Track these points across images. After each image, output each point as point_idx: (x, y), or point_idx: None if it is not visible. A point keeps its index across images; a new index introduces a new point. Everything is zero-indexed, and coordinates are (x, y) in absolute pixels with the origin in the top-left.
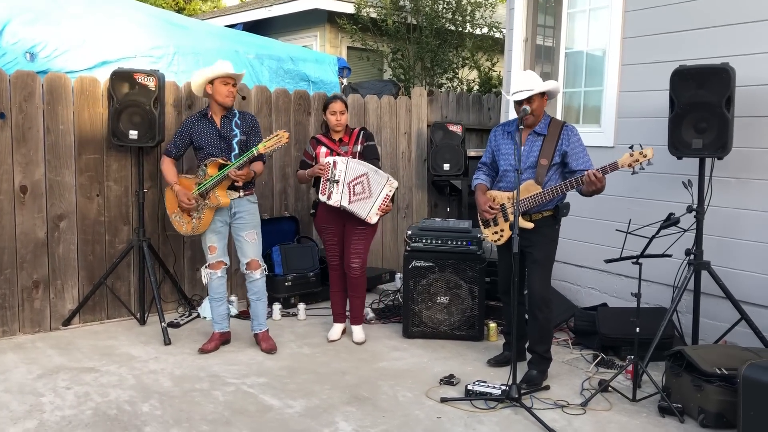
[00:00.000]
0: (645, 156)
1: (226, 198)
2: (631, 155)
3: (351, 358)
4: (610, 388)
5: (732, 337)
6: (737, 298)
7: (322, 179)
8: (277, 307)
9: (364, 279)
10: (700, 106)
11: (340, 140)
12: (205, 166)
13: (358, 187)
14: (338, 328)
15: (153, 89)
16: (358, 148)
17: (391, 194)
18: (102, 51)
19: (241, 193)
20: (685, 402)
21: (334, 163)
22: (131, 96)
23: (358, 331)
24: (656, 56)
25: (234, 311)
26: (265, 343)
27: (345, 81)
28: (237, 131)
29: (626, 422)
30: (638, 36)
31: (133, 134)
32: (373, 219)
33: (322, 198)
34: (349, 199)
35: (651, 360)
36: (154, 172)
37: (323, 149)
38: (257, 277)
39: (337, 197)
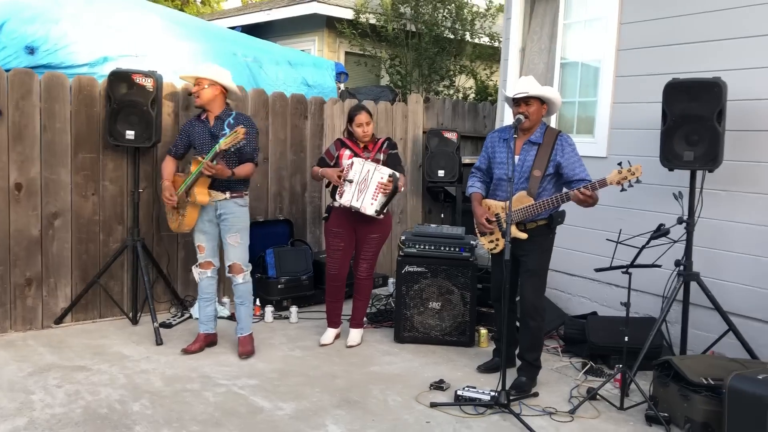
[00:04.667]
0: (633, 173)
1: (204, 196)
2: (620, 172)
3: (342, 361)
4: (598, 396)
5: (719, 348)
6: (725, 310)
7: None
8: (269, 309)
9: (370, 283)
10: (692, 118)
11: (365, 147)
12: (190, 164)
13: (363, 185)
14: (331, 332)
15: (151, 90)
16: (381, 156)
17: (383, 180)
18: (103, 47)
19: (228, 195)
20: (672, 411)
21: (352, 164)
22: (129, 96)
23: (355, 335)
24: (650, 69)
25: (226, 313)
26: (242, 347)
27: (342, 86)
28: (227, 131)
29: (613, 430)
30: (633, 48)
31: (130, 134)
32: (368, 210)
33: (336, 198)
34: (357, 197)
35: (639, 369)
36: (150, 172)
37: (347, 152)
38: (239, 281)
39: (348, 197)
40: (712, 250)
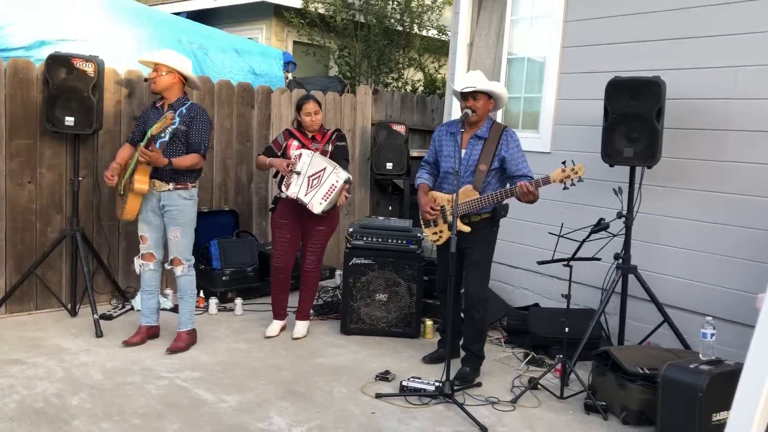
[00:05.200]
0: (576, 173)
1: (143, 184)
2: (563, 171)
3: (288, 354)
4: (539, 386)
5: (655, 339)
6: (661, 302)
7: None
8: (213, 301)
9: (317, 275)
10: (632, 116)
11: (313, 137)
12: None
13: (316, 181)
14: (277, 324)
15: (92, 75)
16: (330, 147)
17: (337, 184)
18: (40, 30)
19: (171, 186)
20: (610, 400)
21: (300, 155)
22: (68, 81)
23: (301, 327)
24: (593, 66)
25: (168, 305)
26: (173, 342)
27: (290, 75)
28: (177, 120)
29: (553, 419)
30: (577, 46)
31: (70, 121)
32: (315, 208)
33: (283, 190)
34: (306, 191)
35: (579, 359)
36: (91, 160)
37: (295, 142)
38: (177, 274)
39: (294, 189)
40: (649, 244)
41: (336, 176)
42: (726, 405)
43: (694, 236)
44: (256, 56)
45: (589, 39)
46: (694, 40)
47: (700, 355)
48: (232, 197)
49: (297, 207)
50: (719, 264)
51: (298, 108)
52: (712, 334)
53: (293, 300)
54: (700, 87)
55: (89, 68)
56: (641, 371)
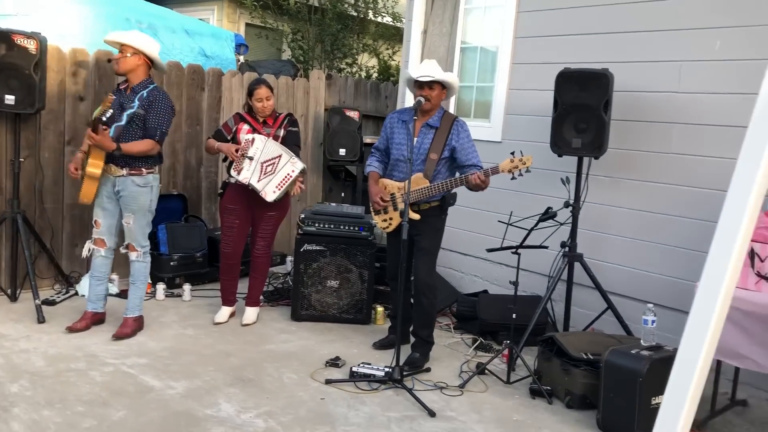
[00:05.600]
0: (524, 163)
1: (95, 168)
2: (512, 161)
3: (237, 340)
4: (486, 371)
5: (599, 325)
6: (605, 289)
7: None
8: (161, 287)
9: (267, 261)
10: (580, 107)
11: (264, 122)
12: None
13: (269, 168)
14: (226, 311)
15: (33, 52)
16: (281, 132)
17: (292, 174)
18: None
19: (125, 172)
20: (554, 385)
21: (253, 140)
22: (8, 58)
23: (251, 313)
24: (544, 57)
25: (115, 290)
26: (119, 328)
27: (242, 58)
28: (136, 104)
29: (499, 403)
30: (529, 36)
31: (10, 99)
32: (269, 196)
33: (233, 174)
34: (259, 177)
35: (525, 345)
36: (33, 140)
37: (246, 126)
38: (132, 258)
39: (247, 174)
40: (595, 233)
41: (292, 166)
42: (665, 389)
43: (638, 226)
44: (207, 38)
45: (541, 30)
46: (640, 33)
47: (642, 341)
48: (181, 181)
49: (247, 192)
50: (661, 253)
51: (250, 93)
52: (653, 321)
53: (243, 286)
54: (646, 80)
55: (31, 45)
56: (585, 357)
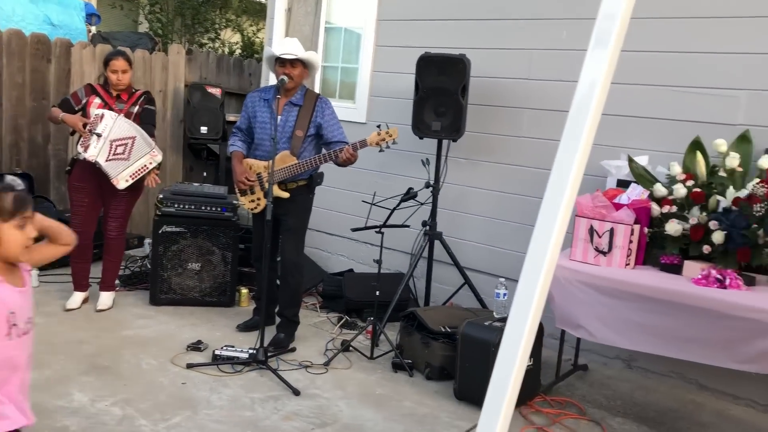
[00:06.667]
0: (390, 136)
1: None
2: (379, 134)
3: (91, 327)
4: (351, 348)
5: (457, 299)
6: (463, 265)
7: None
8: None
9: (121, 243)
10: (440, 91)
11: (118, 96)
12: None
13: (121, 148)
14: (78, 296)
15: None
16: (136, 109)
17: (150, 166)
18: None
19: None
20: (415, 358)
21: (102, 116)
22: None
23: (106, 298)
24: (407, 41)
25: None
26: None
27: (93, 29)
28: None
29: (363, 379)
30: (392, 20)
31: None
32: (120, 183)
33: (80, 150)
34: (107, 156)
35: (389, 321)
36: None
37: (97, 100)
38: None
39: (94, 151)
40: (454, 212)
41: (151, 158)
42: None
43: (493, 205)
44: (53, 5)
45: (404, 14)
46: (495, 21)
47: (494, 314)
48: (26, 159)
49: (96, 169)
50: (514, 231)
51: (106, 63)
52: (505, 294)
53: (97, 270)
54: (501, 67)
55: None
56: (443, 330)
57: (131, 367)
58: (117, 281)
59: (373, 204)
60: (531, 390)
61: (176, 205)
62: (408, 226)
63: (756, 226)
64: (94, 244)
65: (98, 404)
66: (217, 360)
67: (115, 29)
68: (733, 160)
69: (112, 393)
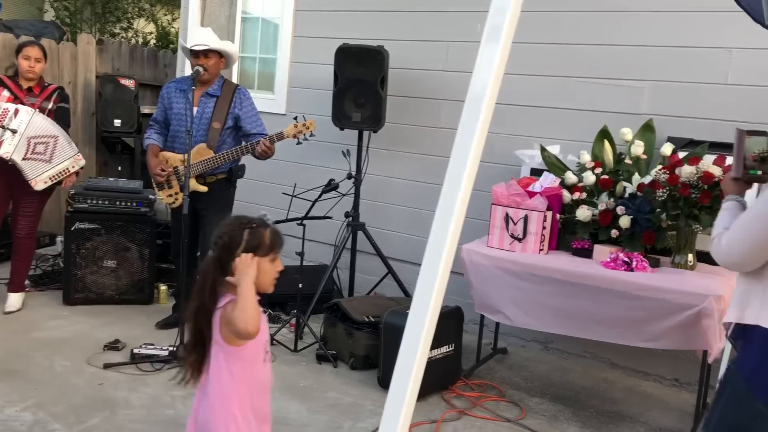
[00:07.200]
0: (308, 128)
1: None
2: (296, 126)
3: None
4: (275, 342)
5: (381, 289)
6: (386, 255)
7: None
8: None
9: (31, 242)
10: (359, 82)
11: (30, 89)
12: None
13: (41, 147)
14: None
15: None
16: (50, 105)
17: (71, 170)
18: None
19: None
20: (340, 349)
21: (17, 110)
22: None
23: (15, 299)
24: (325, 32)
25: None
26: None
27: None
28: None
29: (287, 371)
30: (309, 10)
31: None
32: (38, 185)
33: None
34: (24, 154)
35: (313, 313)
36: None
37: (5, 93)
38: None
39: (8, 148)
40: (376, 203)
41: (75, 162)
42: (438, 343)
43: (414, 195)
44: None
45: (321, 4)
46: (413, 13)
47: None
48: None
49: (7, 166)
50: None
51: (18, 50)
52: None
53: (4, 271)
54: (419, 58)
55: None
56: (367, 319)
57: (43, 370)
58: (27, 281)
59: (294, 196)
60: (452, 375)
61: (89, 201)
62: (330, 218)
63: (659, 210)
64: (1, 244)
65: (7, 410)
66: (135, 359)
67: (18, 17)
68: (638, 148)
69: (23, 398)
